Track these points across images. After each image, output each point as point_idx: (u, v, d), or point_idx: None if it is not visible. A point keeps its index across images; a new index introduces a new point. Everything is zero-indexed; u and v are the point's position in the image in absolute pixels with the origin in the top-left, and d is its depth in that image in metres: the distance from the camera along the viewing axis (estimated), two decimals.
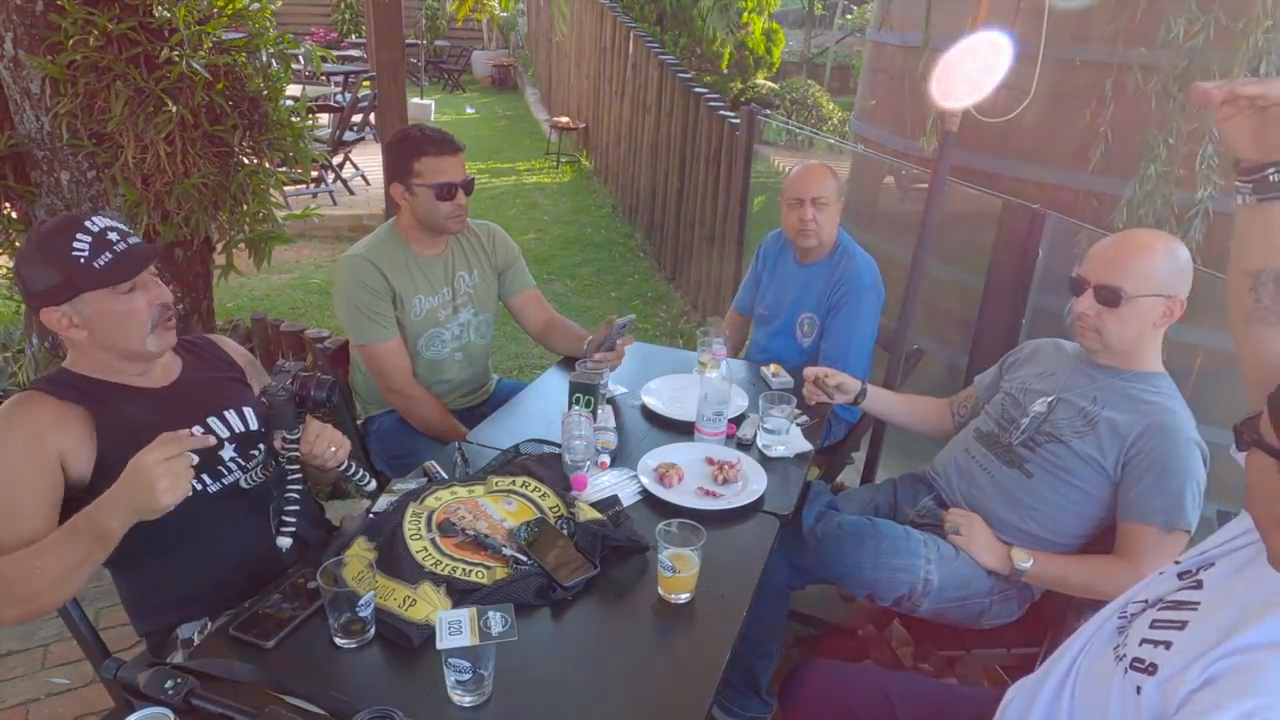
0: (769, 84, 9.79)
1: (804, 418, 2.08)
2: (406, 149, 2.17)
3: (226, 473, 1.55)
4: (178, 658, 1.42)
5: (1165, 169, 2.75)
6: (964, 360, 2.92)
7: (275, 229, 3.12)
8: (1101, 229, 2.53)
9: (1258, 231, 1.11)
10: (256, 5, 2.94)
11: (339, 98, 7.84)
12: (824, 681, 1.56)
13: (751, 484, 1.79)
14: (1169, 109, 2.75)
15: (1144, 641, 1.05)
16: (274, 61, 2.97)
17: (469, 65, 14.72)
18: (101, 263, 1.39)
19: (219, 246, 3.11)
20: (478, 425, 2.09)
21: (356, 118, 7.35)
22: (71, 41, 2.51)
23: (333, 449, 1.52)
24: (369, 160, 7.41)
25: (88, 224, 1.40)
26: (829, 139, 6.59)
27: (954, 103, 2.20)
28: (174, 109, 2.60)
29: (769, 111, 5.51)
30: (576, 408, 1.93)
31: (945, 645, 1.93)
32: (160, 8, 2.68)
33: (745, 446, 1.99)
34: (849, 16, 14.65)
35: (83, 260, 1.38)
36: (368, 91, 6.81)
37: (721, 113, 4.69)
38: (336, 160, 6.99)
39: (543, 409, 2.14)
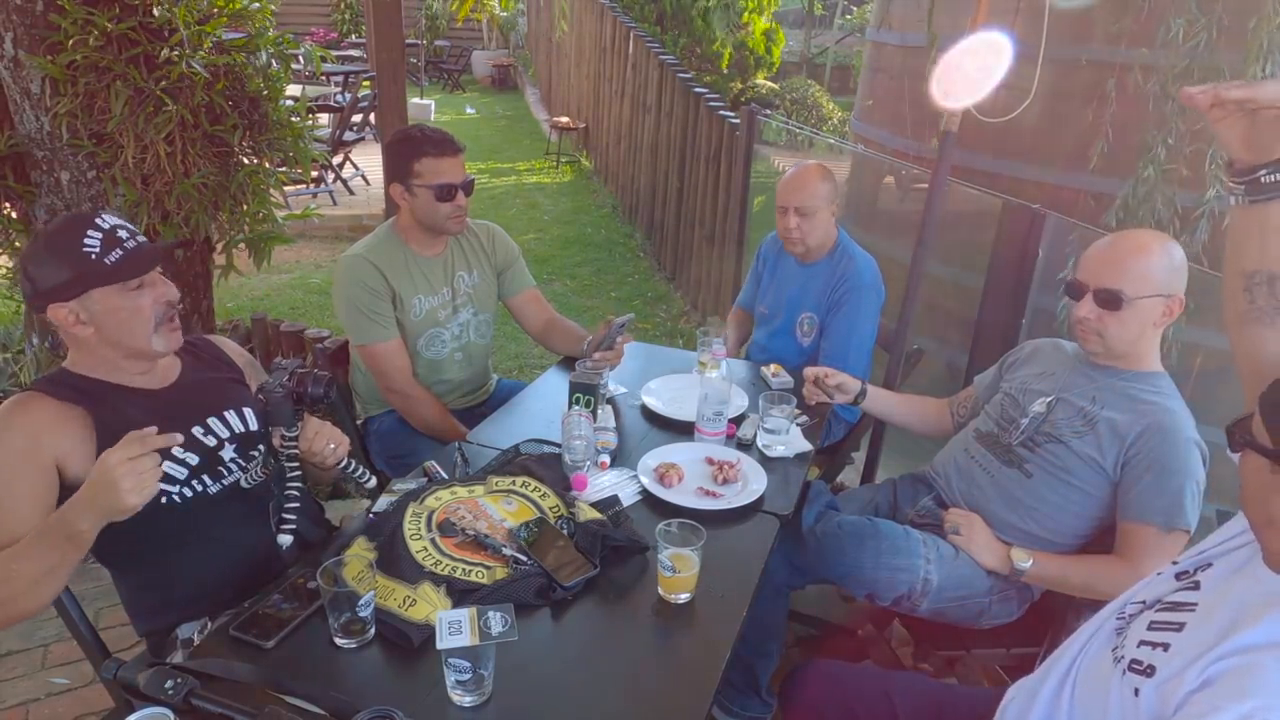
0: (769, 84, 9.79)
1: (804, 418, 2.08)
2: (406, 149, 2.17)
3: (227, 473, 1.55)
4: (178, 658, 1.42)
5: (1169, 167, 2.75)
6: (964, 360, 2.92)
7: (275, 229, 3.12)
8: (1100, 229, 2.53)
9: (1252, 233, 1.11)
10: (256, 5, 2.94)
11: (339, 98, 7.84)
12: (824, 681, 1.56)
13: (751, 484, 1.79)
14: (1167, 110, 2.75)
15: (1142, 643, 1.05)
16: (274, 61, 2.97)
17: (469, 65, 14.72)
18: (112, 259, 1.39)
19: (219, 246, 3.11)
20: (478, 425, 2.09)
21: (356, 118, 7.35)
22: (71, 41, 2.51)
23: (332, 446, 1.52)
24: (369, 160, 7.41)
25: (98, 221, 1.41)
26: (829, 139, 6.59)
27: (954, 103, 2.20)
28: (174, 109, 2.60)
29: (769, 111, 5.51)
30: (576, 408, 1.93)
31: (945, 645, 1.93)
32: (160, 8, 2.68)
33: (745, 446, 1.99)
34: (849, 16, 14.65)
35: (94, 256, 1.38)
36: (368, 91, 6.81)
37: (721, 113, 4.69)
38: (336, 160, 6.99)
39: (543, 409, 2.14)
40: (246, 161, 2.93)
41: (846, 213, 4.28)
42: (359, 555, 1.43)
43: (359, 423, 2.43)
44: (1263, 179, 1.07)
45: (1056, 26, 2.73)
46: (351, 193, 7.10)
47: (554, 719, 1.20)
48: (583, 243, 6.68)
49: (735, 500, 1.73)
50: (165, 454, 1.44)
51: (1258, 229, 1.10)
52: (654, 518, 1.62)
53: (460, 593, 1.38)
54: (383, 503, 1.62)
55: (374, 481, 1.64)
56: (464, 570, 1.44)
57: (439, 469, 1.77)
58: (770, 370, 2.34)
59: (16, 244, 2.94)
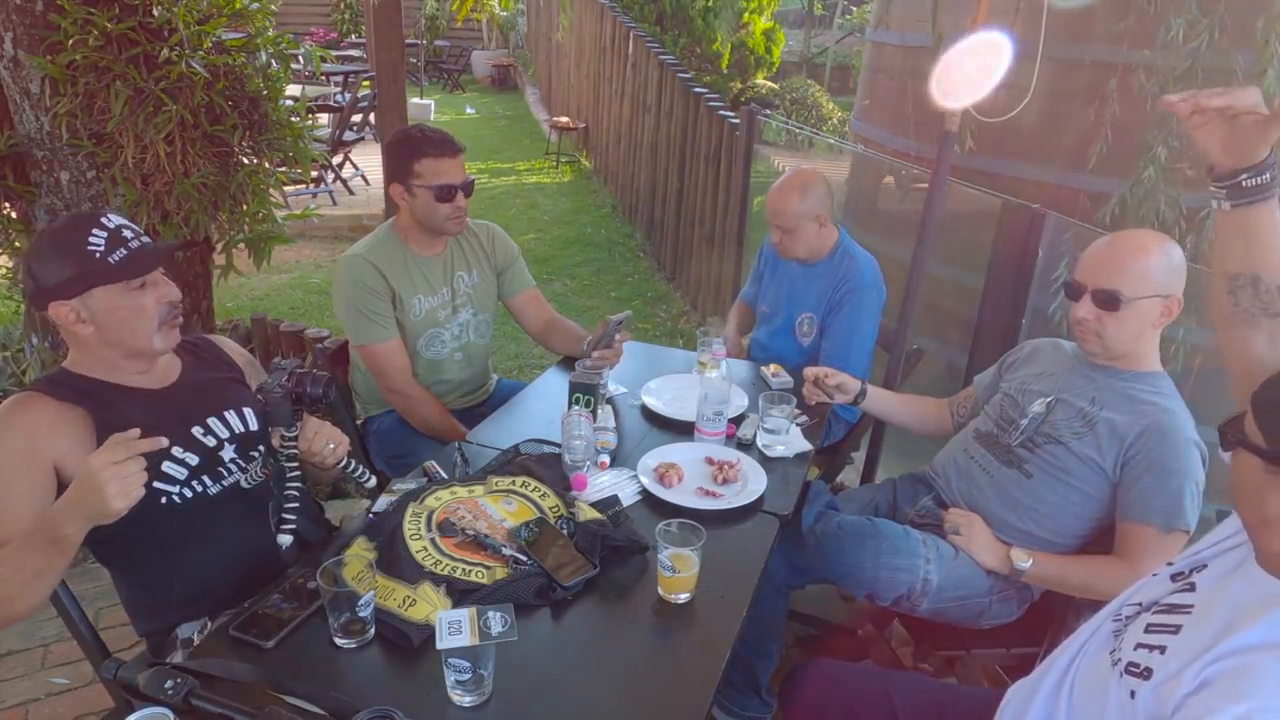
0: (769, 84, 9.79)
1: (804, 418, 2.08)
2: (406, 150, 2.17)
3: (226, 474, 1.55)
4: (178, 658, 1.42)
5: (1175, 166, 2.75)
6: (964, 360, 2.93)
7: (275, 229, 3.12)
8: (1100, 229, 2.53)
9: (1235, 236, 1.14)
10: (256, 5, 2.94)
11: (339, 98, 7.84)
12: (824, 681, 1.56)
13: (751, 484, 1.79)
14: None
15: (1139, 646, 1.05)
16: (274, 61, 2.97)
17: (469, 65, 14.72)
18: (116, 258, 1.40)
19: (219, 246, 3.11)
20: (477, 425, 2.09)
21: (356, 118, 7.35)
22: (71, 41, 2.51)
23: (331, 446, 1.52)
24: (369, 160, 7.41)
25: (103, 220, 1.42)
26: (829, 139, 6.59)
27: (954, 103, 2.20)
28: (174, 109, 2.60)
29: (769, 111, 5.52)
30: (576, 408, 1.93)
31: (945, 645, 1.93)
32: (160, 8, 2.68)
33: (745, 446, 1.99)
34: (849, 16, 14.66)
35: (98, 255, 1.39)
36: (367, 91, 6.81)
37: (721, 112, 4.69)
38: (336, 160, 6.99)
39: (543, 409, 2.14)
40: (246, 161, 2.93)
41: (846, 213, 4.28)
42: (359, 555, 1.43)
43: (359, 423, 2.43)
44: (1244, 183, 1.09)
45: (1057, 26, 2.73)
46: (351, 193, 7.10)
47: (554, 719, 1.20)
48: (582, 243, 6.68)
49: (735, 500, 1.73)
50: (165, 454, 1.44)
51: (1240, 232, 1.13)
52: (654, 518, 1.62)
53: (460, 593, 1.38)
54: (382, 503, 1.62)
55: (374, 481, 1.64)
56: (464, 570, 1.44)
57: (439, 469, 1.77)
58: (770, 370, 2.34)
59: (16, 244, 2.94)
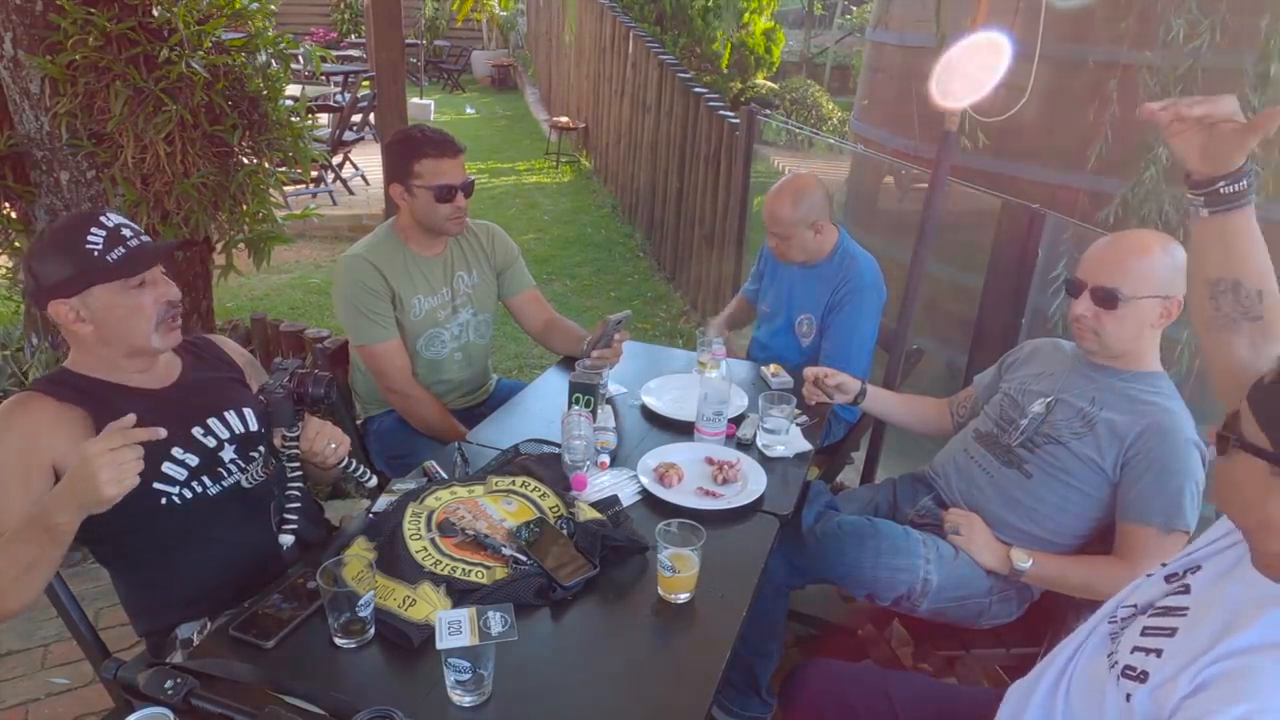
0: (769, 84, 9.79)
1: (804, 418, 2.08)
2: (406, 150, 2.17)
3: (227, 474, 1.55)
4: (177, 658, 1.42)
5: (1173, 166, 2.74)
6: (964, 360, 2.93)
7: (275, 229, 3.12)
8: (1100, 229, 2.54)
9: (1214, 242, 1.15)
10: (256, 5, 2.94)
11: (339, 98, 7.84)
12: (824, 681, 1.56)
13: (751, 484, 1.79)
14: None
15: (1135, 649, 1.05)
16: (273, 61, 2.97)
17: (469, 65, 14.72)
18: (114, 257, 1.40)
19: (218, 246, 3.11)
20: (477, 425, 2.09)
21: (356, 118, 7.35)
22: (71, 41, 2.51)
23: (332, 446, 1.52)
24: (369, 160, 7.41)
25: (103, 219, 1.42)
26: (829, 139, 6.59)
27: (954, 103, 2.20)
28: (173, 109, 2.60)
29: (769, 111, 5.52)
30: (576, 408, 1.93)
31: (945, 645, 1.93)
32: (160, 8, 2.68)
33: (745, 446, 1.99)
34: (849, 16, 14.66)
35: (96, 253, 1.39)
36: (367, 91, 6.81)
37: (721, 112, 4.69)
38: (336, 160, 6.99)
39: (542, 409, 2.14)
40: (246, 161, 2.93)
41: (846, 213, 4.28)
42: (359, 555, 1.43)
43: (359, 423, 2.43)
44: (1222, 190, 1.11)
45: (1058, 27, 2.73)
46: (351, 193, 7.10)
47: (554, 719, 1.21)
48: (582, 243, 6.68)
49: (735, 500, 1.73)
50: (165, 455, 1.44)
51: (1218, 238, 1.14)
52: (654, 518, 1.62)
53: (460, 593, 1.38)
54: (382, 503, 1.62)
55: (375, 480, 1.65)
56: (464, 570, 1.44)
57: (439, 469, 1.77)
58: (770, 370, 2.34)
59: (16, 244, 2.94)
